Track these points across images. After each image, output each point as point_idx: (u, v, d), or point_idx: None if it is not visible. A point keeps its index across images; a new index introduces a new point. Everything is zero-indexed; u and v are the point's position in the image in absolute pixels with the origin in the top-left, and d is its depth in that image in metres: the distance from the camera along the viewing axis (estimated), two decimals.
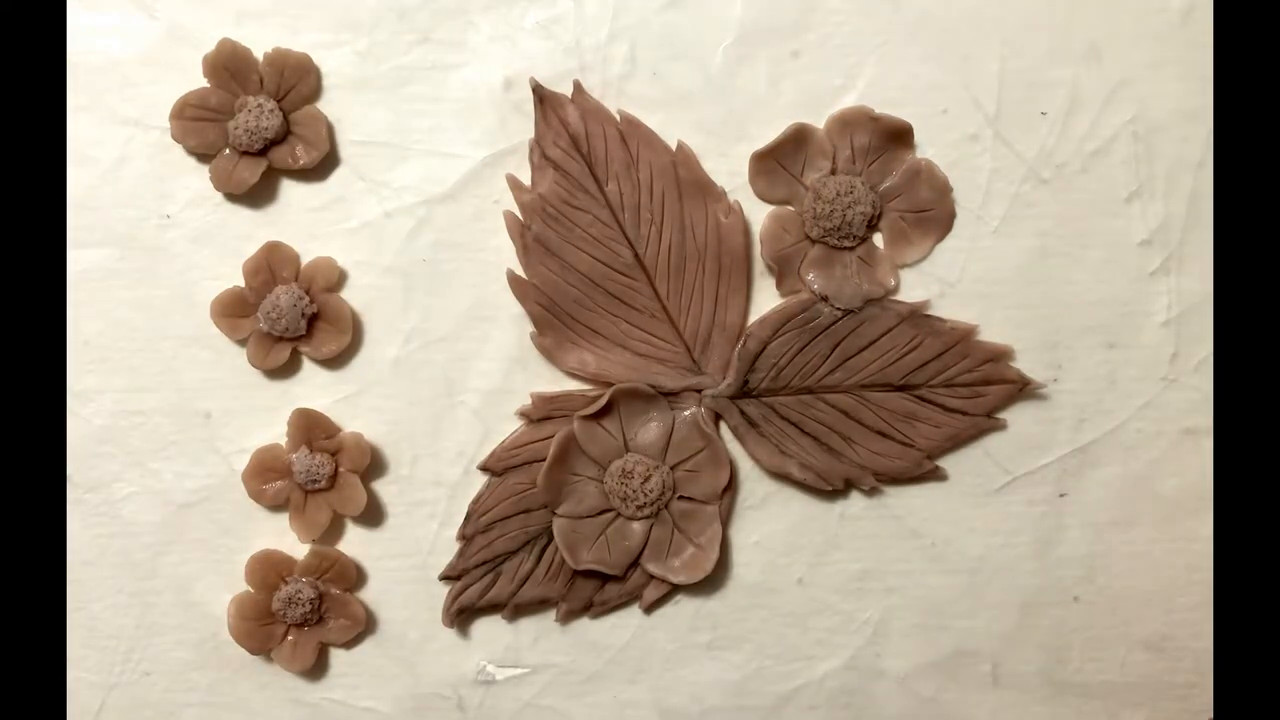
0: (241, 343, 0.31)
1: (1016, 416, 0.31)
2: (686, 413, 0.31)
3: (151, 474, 0.32)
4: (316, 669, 0.32)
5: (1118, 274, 0.31)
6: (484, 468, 0.31)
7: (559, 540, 0.31)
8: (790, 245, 0.31)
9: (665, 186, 0.31)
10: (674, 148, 0.31)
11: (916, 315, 0.31)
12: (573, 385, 0.31)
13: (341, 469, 0.31)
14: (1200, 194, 0.31)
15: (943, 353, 0.31)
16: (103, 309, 0.31)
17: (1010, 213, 0.31)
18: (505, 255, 0.31)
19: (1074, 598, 0.32)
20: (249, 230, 0.31)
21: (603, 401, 0.30)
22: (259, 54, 0.30)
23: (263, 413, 0.31)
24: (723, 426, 0.31)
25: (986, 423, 0.31)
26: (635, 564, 0.31)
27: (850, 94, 0.31)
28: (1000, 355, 0.31)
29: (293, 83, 0.30)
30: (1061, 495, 0.32)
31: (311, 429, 0.31)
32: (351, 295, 0.31)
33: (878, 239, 0.31)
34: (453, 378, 0.31)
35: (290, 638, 0.31)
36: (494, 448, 0.31)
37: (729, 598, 0.32)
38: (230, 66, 0.30)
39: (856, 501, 0.32)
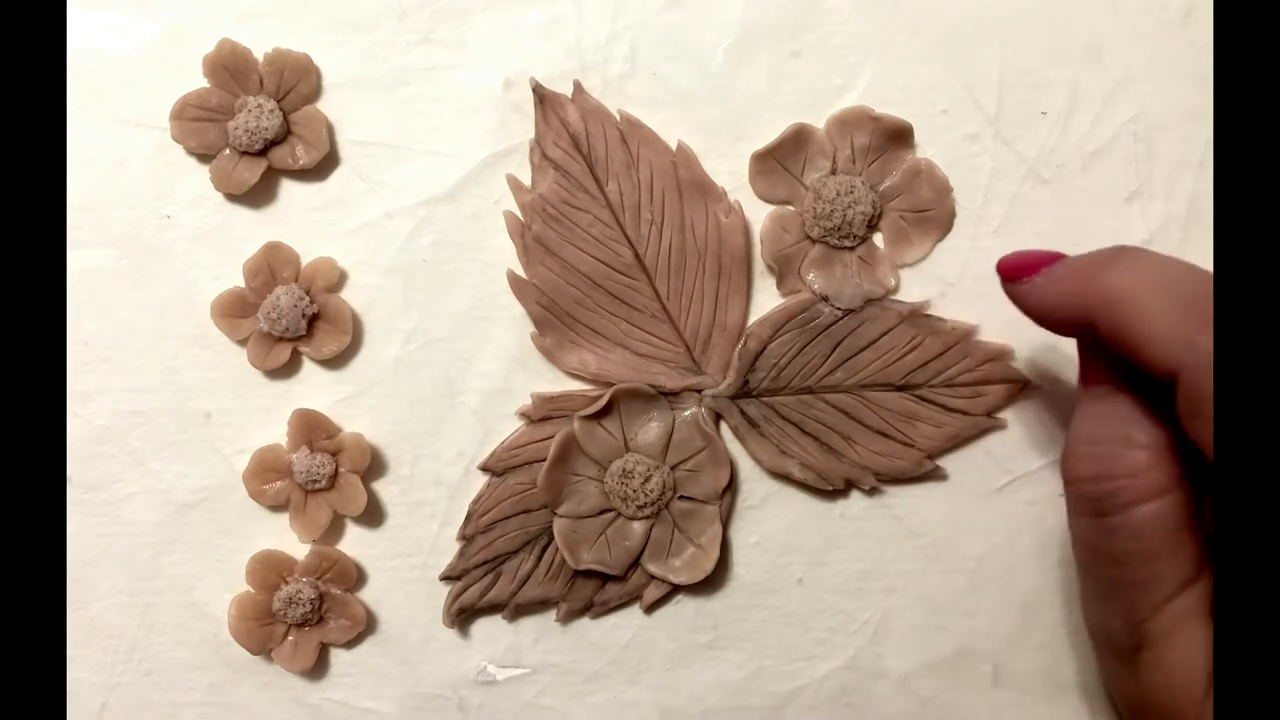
0: (242, 343, 0.31)
1: (1017, 416, 0.31)
2: (687, 413, 0.31)
3: (152, 474, 0.32)
4: (317, 669, 0.32)
5: None
6: (484, 468, 0.31)
7: (559, 540, 0.31)
8: (790, 245, 0.31)
9: (665, 186, 0.31)
10: (674, 148, 0.31)
11: (917, 315, 0.31)
12: (573, 385, 0.31)
13: (342, 469, 0.31)
14: (1200, 194, 0.31)
15: (943, 352, 0.31)
16: (103, 309, 0.31)
17: (1011, 213, 0.31)
18: (505, 255, 0.31)
19: (1075, 597, 0.32)
20: (249, 230, 0.31)
21: (603, 401, 0.30)
22: (259, 54, 0.30)
23: (263, 413, 0.31)
24: (723, 426, 0.31)
25: (987, 422, 0.31)
26: (635, 564, 0.31)
27: (850, 94, 0.31)
28: (1001, 355, 0.31)
29: (293, 83, 0.30)
30: (1062, 495, 0.31)
31: (312, 429, 0.31)
32: (352, 295, 0.31)
33: (878, 239, 0.31)
34: (453, 378, 0.31)
35: (291, 638, 0.31)
36: (494, 448, 0.31)
37: (729, 598, 0.32)
38: (230, 66, 0.30)
39: (857, 501, 0.32)
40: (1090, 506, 0.25)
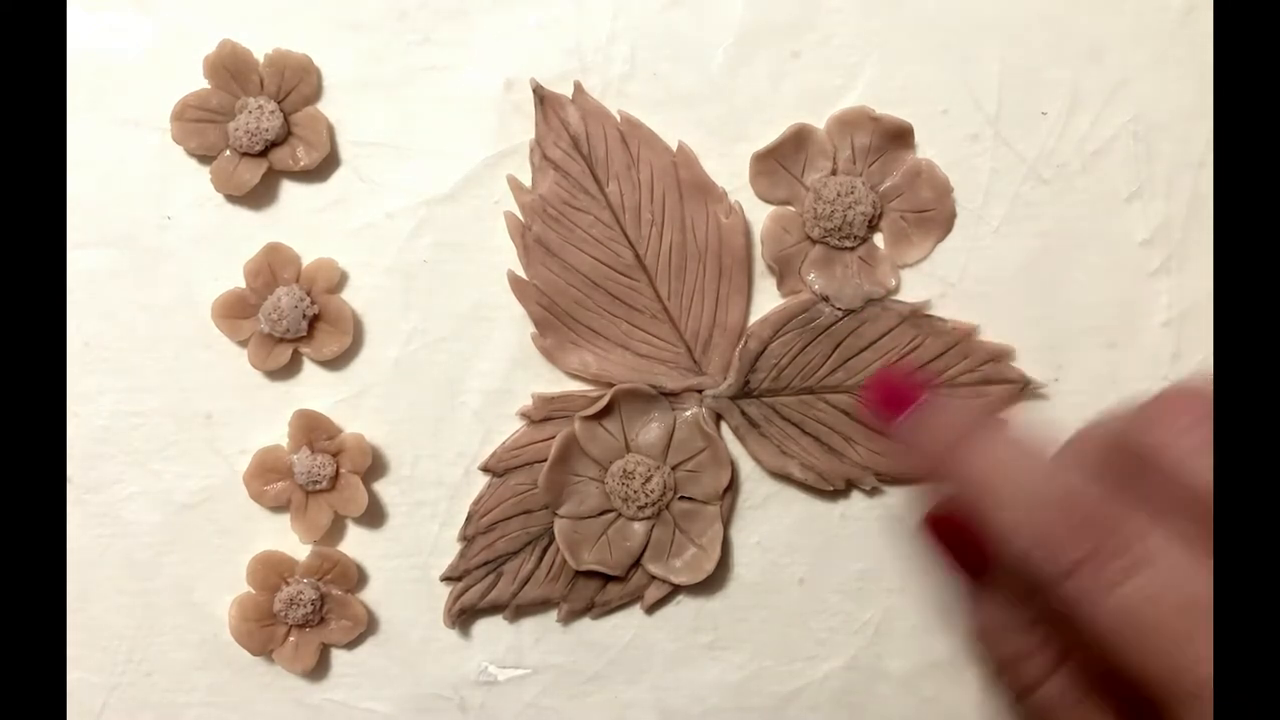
0: (242, 344, 0.31)
1: (1017, 416, 0.31)
2: (688, 413, 0.31)
3: (153, 475, 0.31)
4: (318, 670, 0.32)
5: (1118, 274, 0.31)
6: (485, 468, 0.31)
7: (560, 541, 0.31)
8: (791, 245, 0.31)
9: (666, 187, 0.31)
10: (674, 148, 0.31)
11: (917, 315, 0.31)
12: (574, 386, 0.31)
13: (342, 470, 0.31)
14: (1200, 194, 0.31)
15: (944, 353, 0.31)
16: (103, 310, 0.31)
17: (1011, 213, 0.31)
18: (506, 256, 0.31)
19: None
20: (250, 231, 0.31)
21: (604, 402, 0.30)
22: (259, 55, 0.30)
23: (264, 414, 0.31)
24: (724, 427, 0.31)
25: None
26: (636, 564, 0.31)
27: (851, 94, 0.31)
28: (1001, 355, 0.31)
29: (293, 84, 0.30)
30: None
31: (312, 430, 0.31)
32: (352, 296, 0.31)
33: (878, 239, 0.31)
34: (454, 378, 0.31)
35: (292, 638, 0.31)
36: (495, 448, 0.31)
37: (730, 598, 0.32)
38: (230, 67, 0.30)
39: (857, 501, 0.32)
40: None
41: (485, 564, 0.31)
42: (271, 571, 0.31)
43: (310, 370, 0.32)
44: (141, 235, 0.31)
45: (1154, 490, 0.21)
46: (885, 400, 0.26)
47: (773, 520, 0.32)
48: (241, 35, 0.30)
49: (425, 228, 0.31)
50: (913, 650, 0.32)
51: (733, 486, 0.31)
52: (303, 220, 0.31)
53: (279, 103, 0.30)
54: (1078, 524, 0.21)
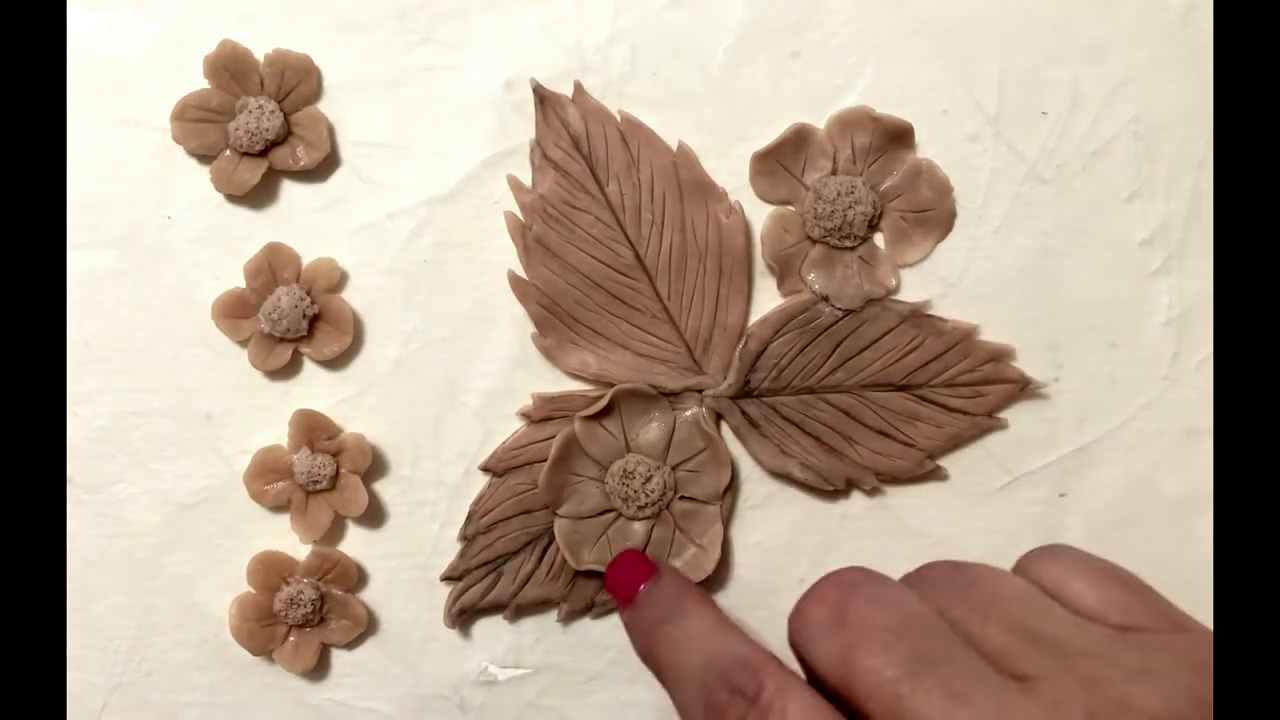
0: (243, 344, 0.31)
1: (1017, 416, 0.31)
2: (688, 413, 0.31)
3: (153, 475, 0.31)
4: (318, 670, 0.32)
5: (1118, 274, 0.31)
6: (485, 468, 0.31)
7: (560, 541, 0.31)
8: (791, 245, 0.31)
9: (666, 187, 0.31)
10: (674, 148, 0.31)
11: (917, 315, 0.31)
12: (574, 386, 0.31)
13: (343, 470, 0.31)
14: (1201, 194, 0.31)
15: (944, 352, 0.31)
16: (103, 309, 0.31)
17: (1011, 213, 0.31)
18: (506, 256, 0.31)
19: None
20: (250, 231, 0.31)
21: (604, 402, 0.30)
22: (259, 54, 0.30)
23: (264, 414, 0.31)
24: (724, 426, 0.31)
25: (987, 422, 0.31)
26: None
27: (851, 94, 0.31)
28: (1001, 355, 0.31)
29: (293, 84, 0.30)
30: (1062, 495, 0.32)
31: (313, 430, 0.31)
32: (352, 296, 0.31)
33: (879, 239, 0.31)
34: (454, 378, 0.31)
35: (292, 638, 0.31)
36: (495, 448, 0.31)
37: (731, 598, 0.32)
38: (231, 67, 0.30)
39: (858, 501, 0.32)
40: None
41: (485, 564, 0.31)
42: (271, 571, 0.31)
43: (310, 370, 0.32)
44: (141, 235, 0.31)
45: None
46: (614, 585, 0.28)
47: (773, 520, 0.32)
48: (241, 35, 0.30)
49: (425, 228, 0.31)
50: None
51: (733, 486, 0.31)
52: (303, 220, 0.31)
53: (279, 103, 0.30)
54: (725, 690, 0.22)
